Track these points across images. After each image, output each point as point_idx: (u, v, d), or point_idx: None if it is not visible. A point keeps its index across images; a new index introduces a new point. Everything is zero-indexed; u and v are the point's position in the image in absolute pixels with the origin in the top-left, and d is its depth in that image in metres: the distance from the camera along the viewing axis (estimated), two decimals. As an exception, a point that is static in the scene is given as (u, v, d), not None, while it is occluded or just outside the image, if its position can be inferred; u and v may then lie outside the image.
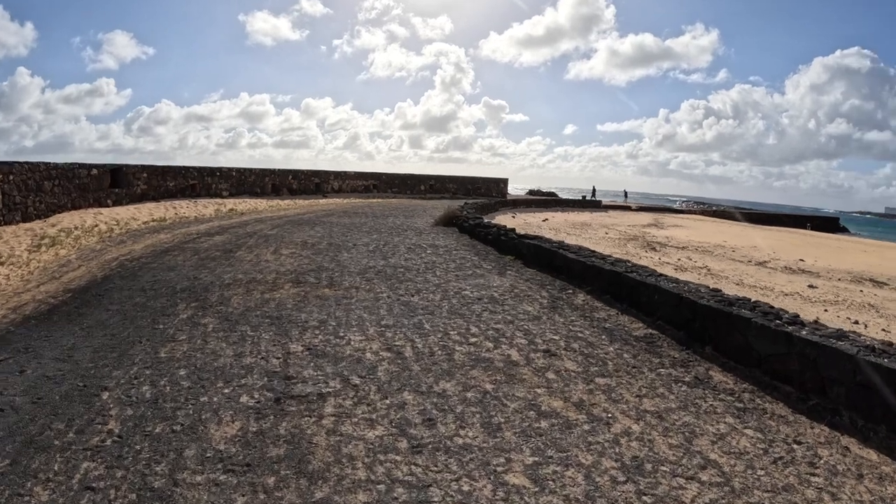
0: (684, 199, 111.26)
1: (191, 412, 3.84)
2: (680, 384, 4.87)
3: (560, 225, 28.06)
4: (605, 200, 54.07)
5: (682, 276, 9.54)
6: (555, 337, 5.94)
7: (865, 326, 9.85)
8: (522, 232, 12.95)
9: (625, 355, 5.52)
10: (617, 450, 3.62)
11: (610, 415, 4.15)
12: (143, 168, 22.99)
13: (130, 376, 4.46)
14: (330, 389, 4.29)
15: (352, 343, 5.39)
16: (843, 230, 64.85)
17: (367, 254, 10.65)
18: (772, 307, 6.11)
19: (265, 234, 13.04)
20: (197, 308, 6.55)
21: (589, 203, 48.02)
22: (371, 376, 4.59)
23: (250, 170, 29.67)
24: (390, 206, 25.83)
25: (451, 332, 5.85)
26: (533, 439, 3.70)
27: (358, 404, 4.06)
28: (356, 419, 3.83)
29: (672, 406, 4.38)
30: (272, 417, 3.79)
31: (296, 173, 32.66)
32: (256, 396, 4.12)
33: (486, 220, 15.52)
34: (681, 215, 50.99)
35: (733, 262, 19.64)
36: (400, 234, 14.32)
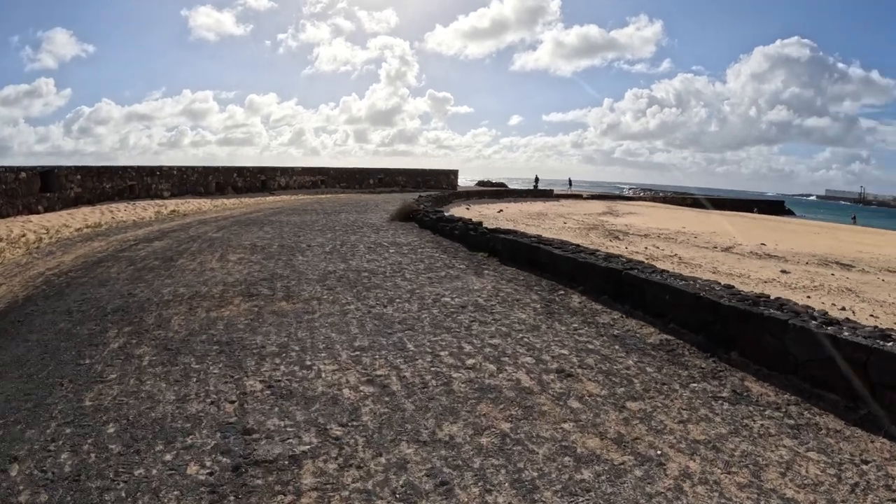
0: (631, 186, 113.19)
1: (123, 495, 2.80)
2: (720, 401, 4.14)
3: (516, 216, 27.44)
4: (558, 189, 53.83)
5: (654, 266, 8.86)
6: (563, 351, 5.09)
7: (854, 313, 9.50)
8: (488, 225, 12.11)
9: (648, 369, 4.75)
10: (684, 501, 2.84)
11: (659, 452, 3.35)
12: (77, 169, 21.13)
13: (47, 438, 3.37)
14: (305, 447, 3.28)
15: (323, 375, 4.37)
16: (789, 213, 66.71)
17: (325, 256, 9.60)
18: (797, 304, 5.46)
19: (210, 238, 11.79)
20: (131, 334, 5.42)
21: (540, 193, 47.65)
22: (355, 423, 3.61)
23: (193, 168, 27.89)
24: (340, 202, 24.64)
25: (442, 353, 4.91)
26: (581, 499, 2.84)
27: (345, 468, 3.08)
28: (347, 493, 2.85)
29: (722, 431, 3.67)
30: (233, 499, 2.78)
31: (241, 171, 30.96)
32: (209, 465, 3.08)
33: (447, 214, 14.60)
34: (632, 202, 51.29)
35: (699, 248, 19.35)
36: (356, 231, 13.27)
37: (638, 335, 5.66)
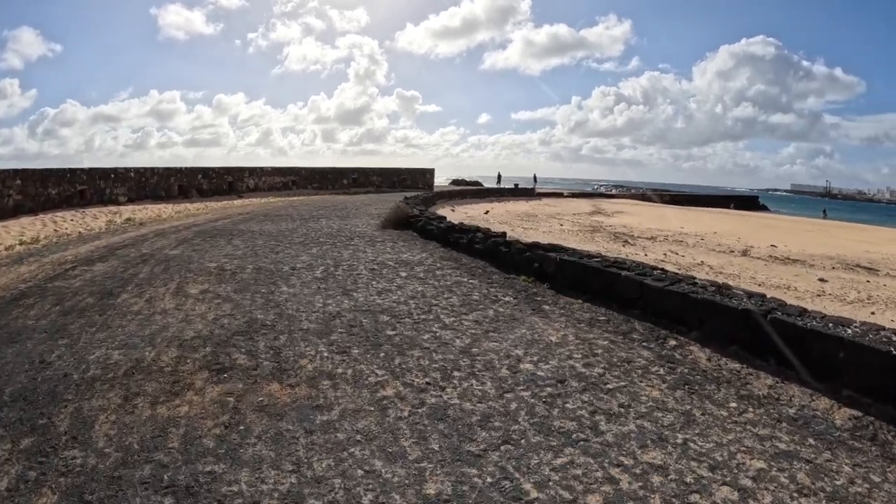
0: (603, 184, 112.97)
1: None
2: None
3: (505, 217, 25.54)
4: (537, 188, 51.91)
5: (684, 278, 6.88)
6: (758, 464, 3.07)
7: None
8: (506, 233, 9.90)
9: (873, 477, 3.01)
10: None
11: None
12: (17, 173, 18.31)
13: None
14: None
15: None
16: (763, 208, 66.54)
17: (318, 284, 7.26)
18: None
19: (166, 257, 9.33)
20: (29, 456, 3.12)
21: (521, 192, 45.64)
22: None
23: (152, 170, 24.98)
24: (316, 205, 22.15)
25: (590, 500, 2.67)
26: None
27: None
28: None
29: None
30: None
31: (206, 172, 28.05)
32: None
33: (457, 222, 12.32)
34: (613, 200, 49.86)
35: (717, 253, 17.61)
36: (347, 244, 10.93)
37: (818, 414, 3.71)
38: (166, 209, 20.81)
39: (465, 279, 7.58)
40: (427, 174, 43.26)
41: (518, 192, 44.70)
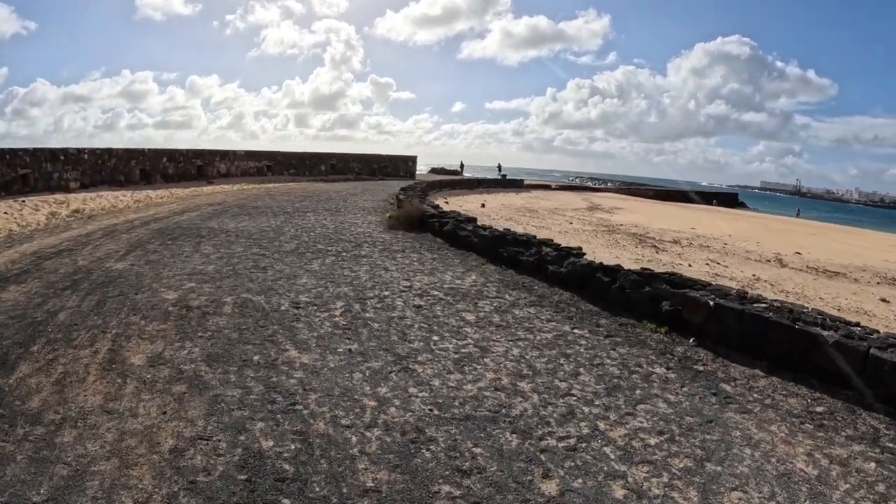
0: (577, 176, 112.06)
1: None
2: None
3: (505, 211, 23.25)
4: (525, 180, 49.70)
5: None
6: None
7: None
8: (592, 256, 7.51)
9: None
10: None
11: None
12: (-60, 158, 14.97)
13: None
14: None
15: None
16: (743, 205, 66.22)
17: (346, 343, 4.69)
18: None
19: (107, 276, 6.68)
20: None
21: (510, 183, 43.31)
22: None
23: (110, 151, 21.47)
24: (297, 194, 19.45)
25: None
26: None
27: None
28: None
29: None
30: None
31: (172, 154, 24.67)
32: None
33: (502, 227, 9.85)
34: (599, 194, 48.00)
35: (753, 262, 15.56)
36: (355, 254, 8.45)
37: None
38: (124, 197, 17.77)
39: (567, 327, 5.14)
40: (409, 162, 40.75)
41: (506, 184, 42.35)
